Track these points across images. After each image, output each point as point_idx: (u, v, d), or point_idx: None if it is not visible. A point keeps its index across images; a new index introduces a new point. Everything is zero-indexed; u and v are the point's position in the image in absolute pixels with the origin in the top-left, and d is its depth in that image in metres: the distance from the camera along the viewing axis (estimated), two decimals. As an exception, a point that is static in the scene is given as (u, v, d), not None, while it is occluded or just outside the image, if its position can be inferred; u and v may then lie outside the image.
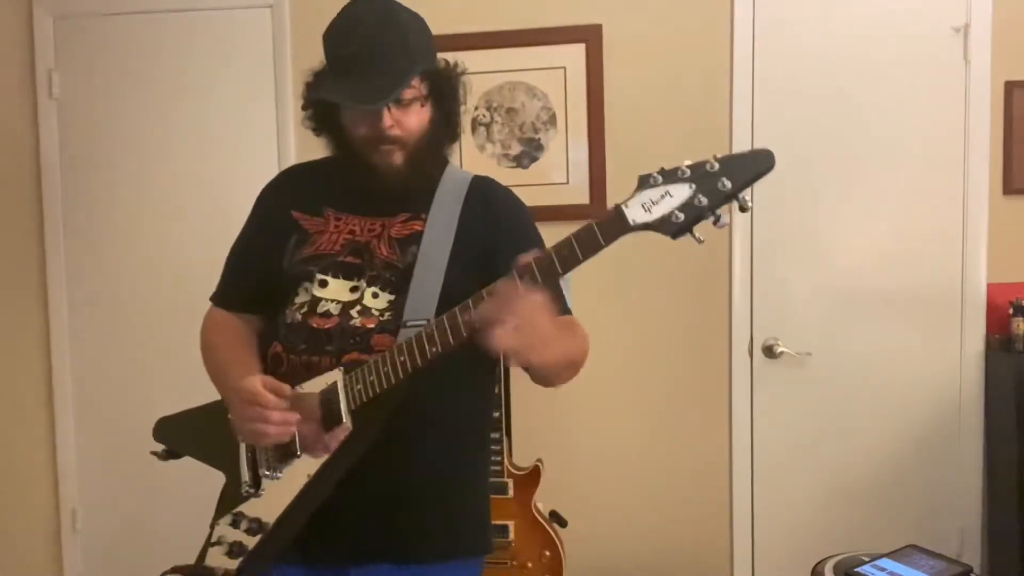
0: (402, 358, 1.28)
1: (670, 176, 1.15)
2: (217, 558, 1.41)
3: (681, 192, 1.14)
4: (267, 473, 1.36)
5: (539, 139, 2.88)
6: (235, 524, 1.39)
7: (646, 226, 1.16)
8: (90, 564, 3.10)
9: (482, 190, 1.49)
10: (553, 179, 2.86)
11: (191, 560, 1.43)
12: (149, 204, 3.02)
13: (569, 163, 2.87)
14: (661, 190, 1.15)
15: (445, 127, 1.45)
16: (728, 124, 2.81)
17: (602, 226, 1.18)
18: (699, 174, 1.13)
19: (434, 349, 1.26)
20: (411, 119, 1.38)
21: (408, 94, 1.36)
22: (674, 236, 1.16)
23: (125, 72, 3.00)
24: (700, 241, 1.17)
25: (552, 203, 2.77)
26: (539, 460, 2.63)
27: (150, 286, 3.01)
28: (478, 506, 1.53)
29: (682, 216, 1.14)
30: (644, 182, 1.16)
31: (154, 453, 1.55)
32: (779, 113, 2.80)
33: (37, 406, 3.07)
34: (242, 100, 2.98)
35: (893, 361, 2.79)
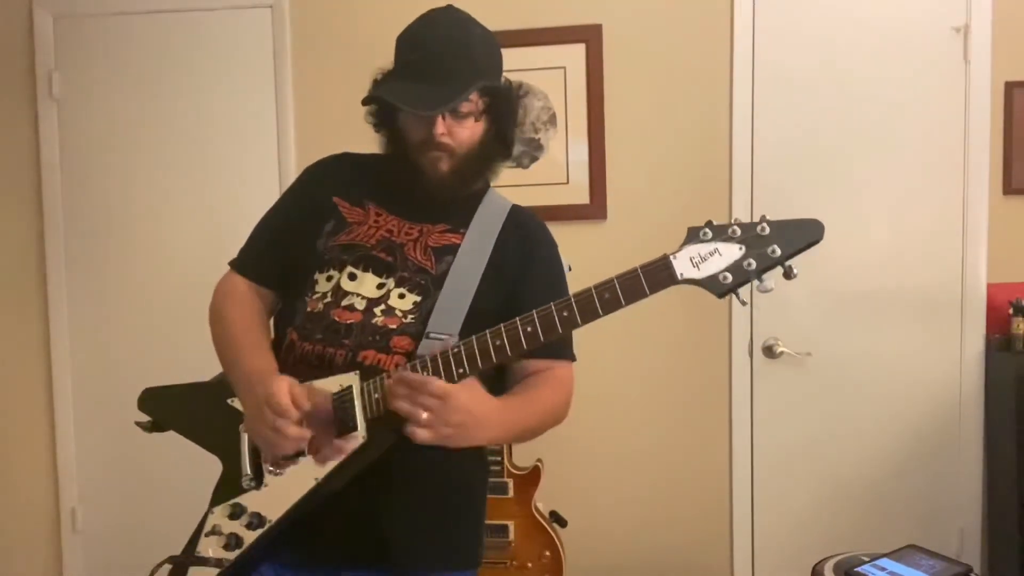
0: (425, 374, 1.26)
1: (720, 232, 1.16)
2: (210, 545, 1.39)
3: (730, 252, 1.15)
4: (271, 469, 1.35)
5: (539, 139, 2.88)
6: (234, 516, 1.37)
7: (693, 282, 1.16)
8: (90, 564, 3.10)
9: (521, 222, 1.48)
10: (553, 179, 2.86)
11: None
12: (149, 204, 3.02)
13: (569, 163, 2.87)
14: (710, 246, 1.16)
15: (497, 144, 1.45)
16: (728, 124, 2.82)
17: (648, 274, 1.18)
18: (749, 236, 1.15)
19: (460, 371, 1.25)
20: (463, 132, 1.38)
21: (465, 108, 1.37)
22: (720, 296, 1.18)
23: (125, 72, 3.01)
24: (744, 303, 1.19)
25: (552, 203, 2.77)
26: (539, 460, 2.63)
27: (150, 286, 3.01)
28: (474, 519, 1.52)
29: (730, 278, 1.15)
30: (693, 235, 1.17)
31: (139, 424, 1.53)
32: (779, 113, 2.80)
33: (37, 406, 3.07)
34: (242, 100, 2.97)
35: (893, 361, 2.79)
